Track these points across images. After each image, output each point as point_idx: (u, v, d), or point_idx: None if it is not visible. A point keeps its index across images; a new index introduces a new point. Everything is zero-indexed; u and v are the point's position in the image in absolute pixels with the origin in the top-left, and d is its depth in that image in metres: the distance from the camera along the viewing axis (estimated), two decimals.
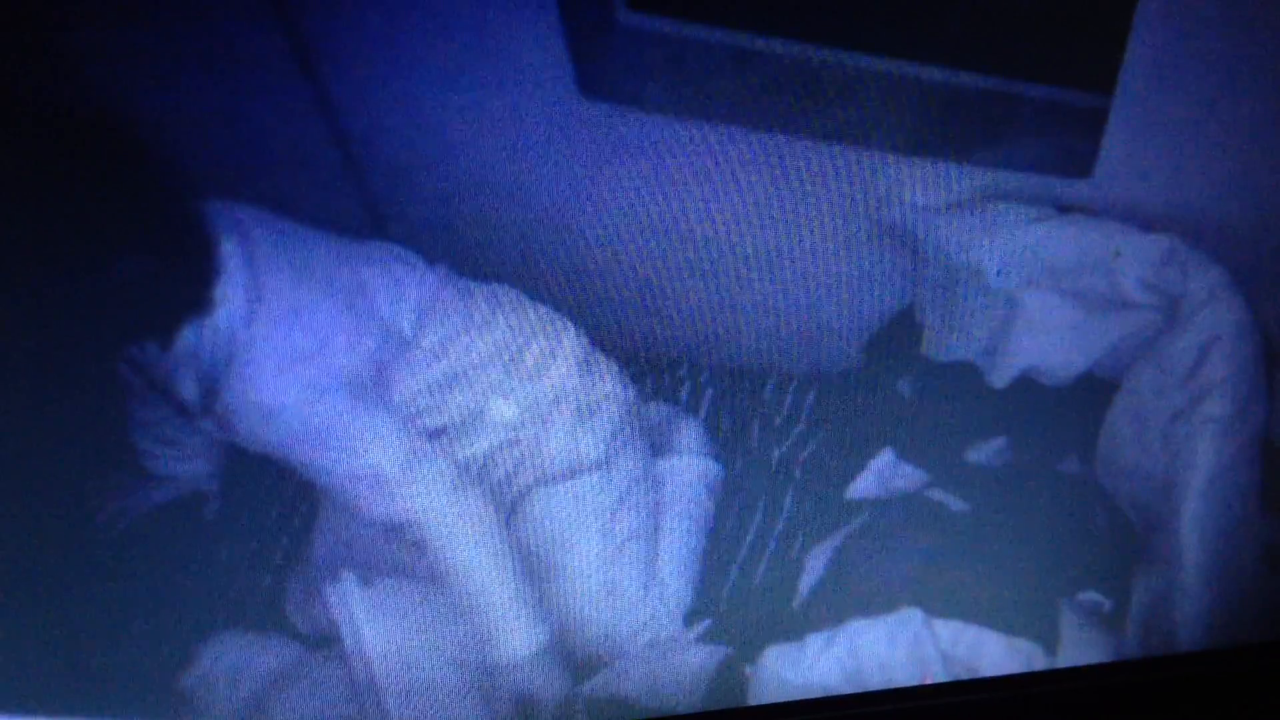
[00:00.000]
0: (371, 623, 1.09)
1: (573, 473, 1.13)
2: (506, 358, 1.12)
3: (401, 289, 1.09)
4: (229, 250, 0.99)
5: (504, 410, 1.11)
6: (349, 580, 1.09)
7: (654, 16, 1.04)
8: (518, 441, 1.12)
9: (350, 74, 1.07)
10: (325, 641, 1.12)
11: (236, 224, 1.02)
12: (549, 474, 1.13)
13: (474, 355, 1.11)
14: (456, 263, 1.15)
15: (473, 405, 1.11)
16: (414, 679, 1.10)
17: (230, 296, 0.99)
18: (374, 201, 1.17)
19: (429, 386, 1.10)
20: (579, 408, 1.14)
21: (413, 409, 1.10)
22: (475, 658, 1.11)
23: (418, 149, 1.12)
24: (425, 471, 1.07)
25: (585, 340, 1.16)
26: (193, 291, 0.98)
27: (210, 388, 1.01)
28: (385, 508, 1.07)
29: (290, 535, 1.15)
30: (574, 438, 1.13)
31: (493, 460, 1.13)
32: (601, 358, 1.17)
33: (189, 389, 1.02)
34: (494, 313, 1.12)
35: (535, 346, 1.13)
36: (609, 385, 1.16)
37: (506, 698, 1.12)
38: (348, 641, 1.09)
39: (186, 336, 0.99)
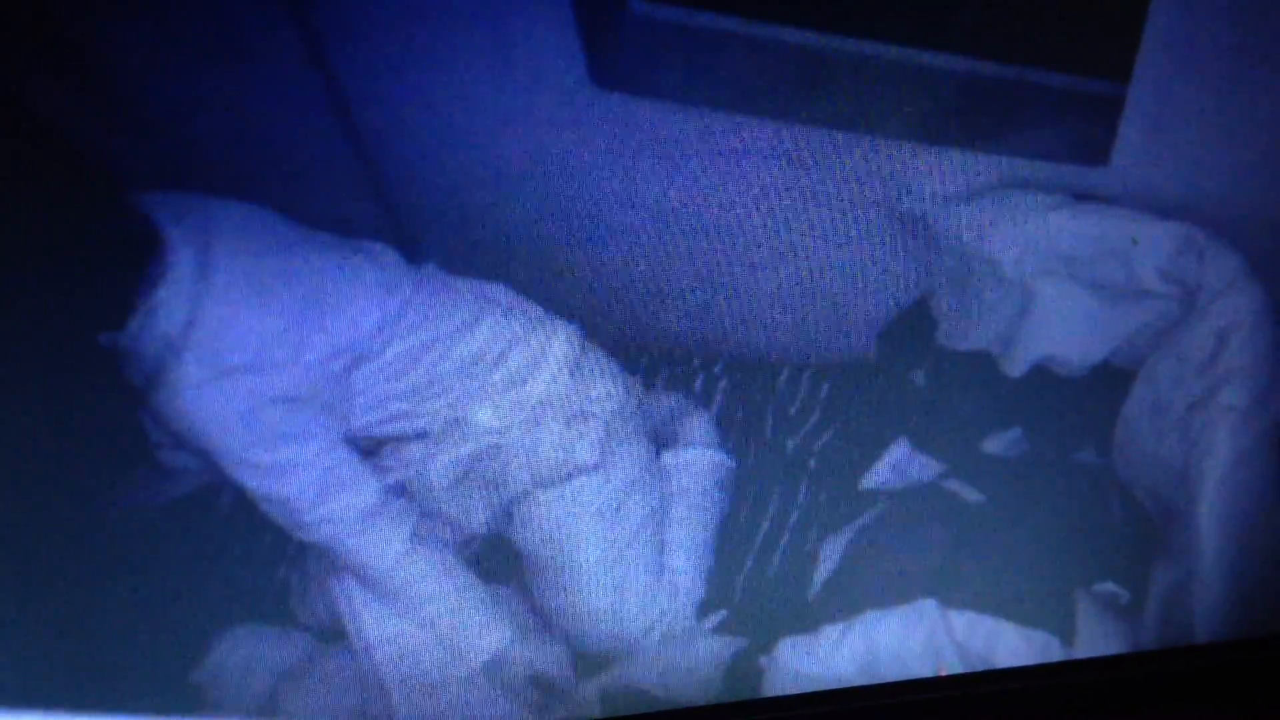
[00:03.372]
0: (373, 616, 1.08)
1: (568, 475, 1.12)
2: (488, 362, 1.10)
3: (371, 294, 1.06)
4: (182, 254, 0.99)
5: (484, 416, 1.10)
6: (350, 575, 1.09)
7: (666, 6, 1.04)
8: (502, 446, 1.11)
9: (361, 66, 1.06)
10: (335, 635, 1.11)
11: (198, 218, 1.01)
12: (543, 477, 1.12)
13: (451, 361, 1.09)
14: (464, 254, 1.15)
15: (451, 411, 1.10)
16: (418, 672, 1.09)
17: (171, 303, 0.98)
18: (386, 193, 1.16)
19: (402, 391, 1.08)
20: (568, 412, 1.12)
21: (385, 414, 1.09)
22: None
23: (430, 140, 1.12)
24: (340, 500, 1.06)
25: (577, 340, 1.14)
26: (136, 294, 0.98)
27: (150, 385, 1.00)
28: (299, 534, 1.07)
29: None
30: (565, 441, 1.12)
31: (477, 463, 1.12)
32: (596, 357, 1.15)
33: (139, 381, 1.02)
34: (477, 317, 1.10)
35: (520, 350, 1.11)
36: (603, 386, 1.14)
37: (513, 689, 1.12)
38: (352, 635, 1.09)
39: (130, 333, 0.99)
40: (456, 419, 1.10)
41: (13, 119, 1.01)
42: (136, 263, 0.99)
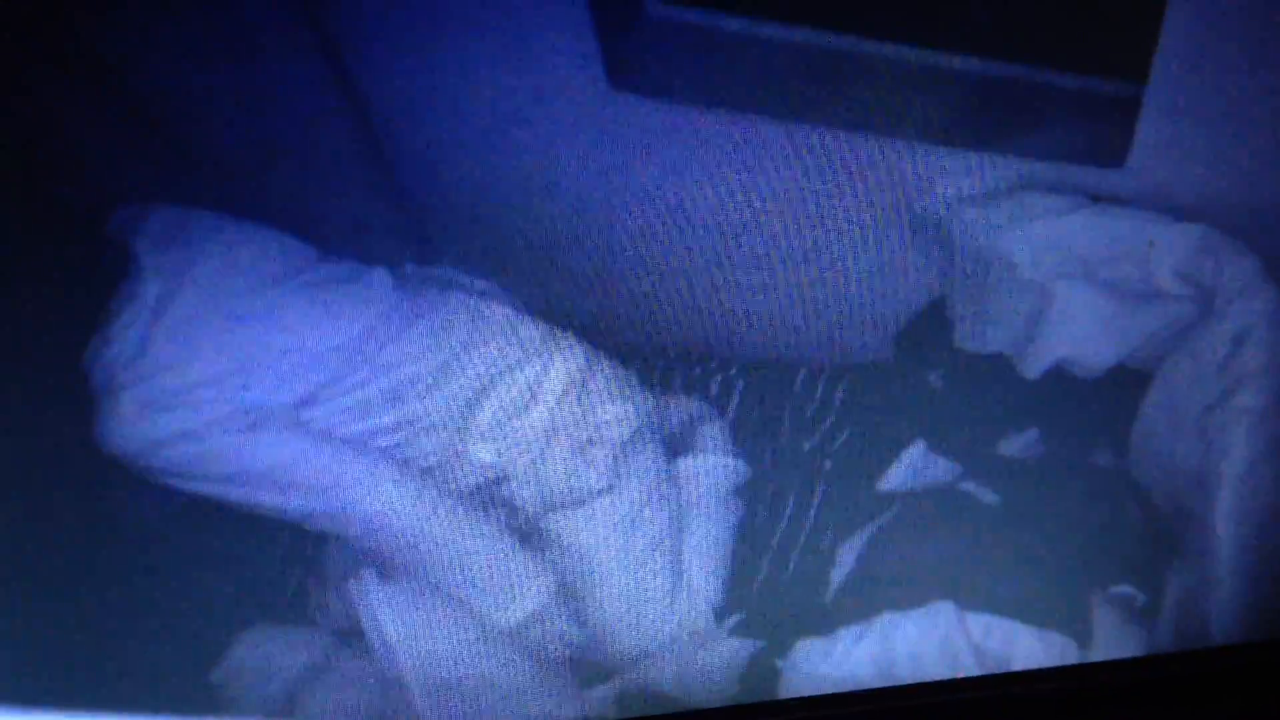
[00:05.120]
0: (392, 618, 1.08)
1: (579, 500, 1.11)
2: (481, 393, 1.08)
3: (347, 332, 1.05)
4: (147, 287, 1.00)
5: (483, 451, 1.09)
6: (368, 576, 1.09)
7: (684, 7, 1.04)
8: (507, 477, 1.11)
9: (377, 65, 1.07)
10: (353, 635, 1.11)
11: (176, 257, 1.02)
12: (553, 502, 1.11)
13: (440, 396, 1.08)
14: (480, 255, 1.15)
15: (447, 447, 1.09)
16: (439, 672, 1.09)
17: (123, 336, 0.99)
18: (401, 193, 1.17)
19: (386, 427, 1.07)
20: (575, 439, 1.11)
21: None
22: (498, 649, 1.11)
23: (446, 143, 1.12)
24: (327, 497, 1.05)
25: (581, 361, 1.12)
26: (100, 322, 0.99)
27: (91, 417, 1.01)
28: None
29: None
30: (573, 469, 1.11)
31: (484, 492, 1.11)
32: (604, 377, 1.13)
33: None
34: (469, 346, 1.09)
35: (519, 378, 1.09)
36: (612, 409, 1.13)
37: (531, 688, 1.12)
38: (371, 636, 1.09)
39: (86, 361, 1.00)
40: (454, 454, 1.09)
41: (14, 121, 1.02)
42: (105, 291, 1.00)
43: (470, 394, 1.09)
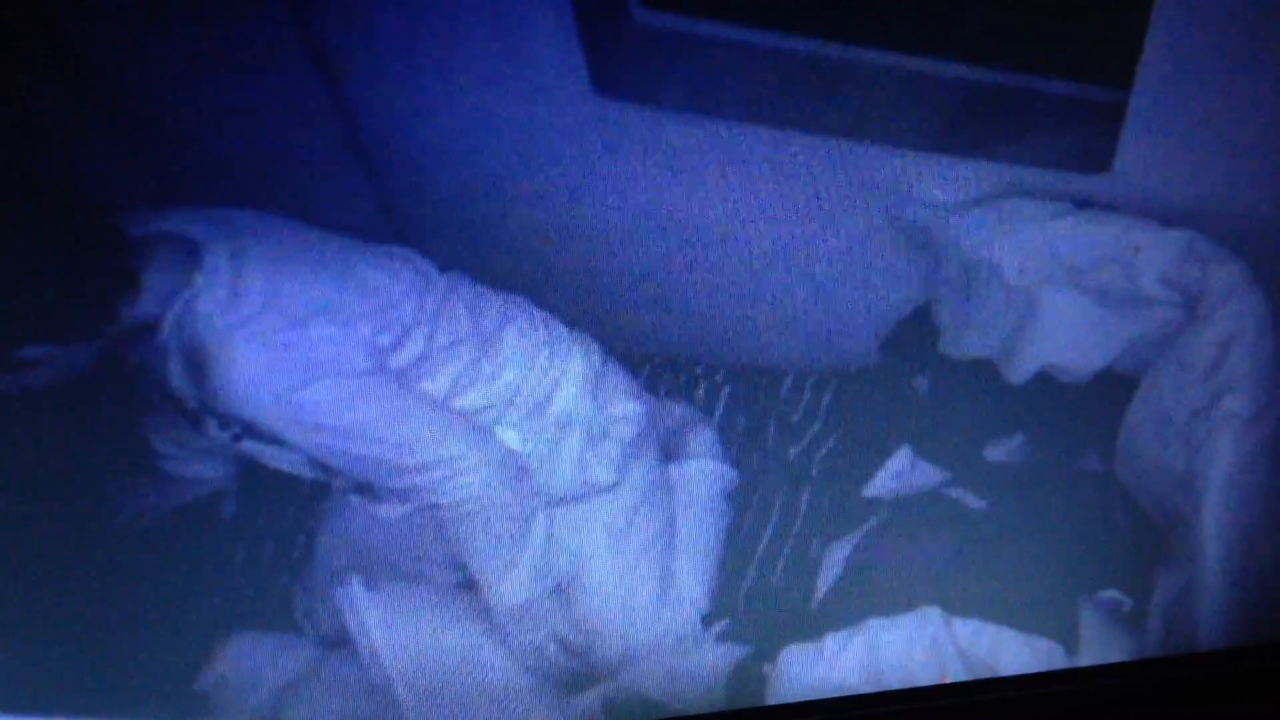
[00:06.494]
0: (379, 625, 1.08)
1: (583, 495, 1.12)
2: (513, 376, 1.10)
3: (407, 287, 1.06)
4: (214, 247, 0.99)
5: (510, 436, 1.10)
6: (355, 584, 1.09)
7: (669, 14, 1.04)
8: (524, 468, 1.11)
9: (366, 76, 1.07)
10: (338, 642, 1.11)
11: (226, 223, 1.02)
12: (558, 496, 1.12)
13: (480, 371, 1.09)
14: (469, 263, 1.15)
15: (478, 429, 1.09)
16: (427, 678, 1.09)
17: (210, 287, 0.98)
18: (390, 201, 1.17)
19: (424, 403, 1.07)
20: (590, 432, 1.12)
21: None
22: (487, 654, 1.11)
23: (433, 149, 1.12)
24: (426, 452, 1.05)
25: (598, 358, 1.13)
26: (173, 281, 0.98)
27: (197, 373, 1.00)
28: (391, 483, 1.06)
29: (306, 535, 1.15)
30: (585, 462, 1.12)
31: (505, 474, 1.11)
32: (616, 375, 1.15)
33: (178, 375, 1.01)
34: (503, 325, 1.10)
35: (543, 365, 1.11)
36: (624, 406, 1.14)
37: (518, 693, 1.12)
38: (358, 643, 1.09)
39: (170, 323, 0.99)
40: (495, 422, 1.10)
41: (20, 133, 1.02)
42: (170, 251, 0.99)
43: (499, 374, 1.09)
